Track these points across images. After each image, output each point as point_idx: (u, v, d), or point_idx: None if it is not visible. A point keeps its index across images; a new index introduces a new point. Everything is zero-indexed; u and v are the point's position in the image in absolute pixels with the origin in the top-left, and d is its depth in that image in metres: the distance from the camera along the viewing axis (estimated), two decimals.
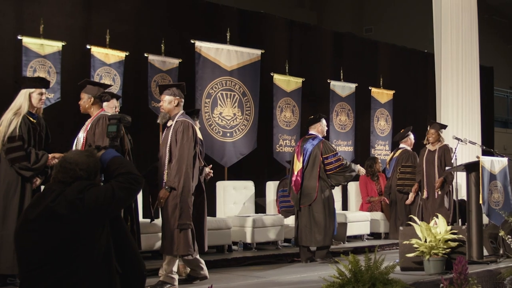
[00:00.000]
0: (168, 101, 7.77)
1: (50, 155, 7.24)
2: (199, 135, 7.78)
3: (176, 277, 7.46)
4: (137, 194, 4.22)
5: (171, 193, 7.41)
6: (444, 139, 11.38)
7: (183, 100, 7.93)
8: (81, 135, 7.28)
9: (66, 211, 3.82)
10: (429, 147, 11.29)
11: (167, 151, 7.53)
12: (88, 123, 7.30)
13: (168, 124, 7.73)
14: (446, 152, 11.07)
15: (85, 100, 7.44)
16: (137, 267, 4.22)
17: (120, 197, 3.98)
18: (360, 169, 10.29)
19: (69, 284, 3.80)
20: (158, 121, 7.86)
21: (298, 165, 10.04)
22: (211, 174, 8.97)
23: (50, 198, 3.91)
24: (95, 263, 3.87)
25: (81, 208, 3.83)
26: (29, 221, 3.92)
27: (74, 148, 7.26)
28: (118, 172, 4.11)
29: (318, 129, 10.21)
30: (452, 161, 10.55)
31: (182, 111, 7.83)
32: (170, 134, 7.59)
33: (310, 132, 10.28)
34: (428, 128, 11.50)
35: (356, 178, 11.67)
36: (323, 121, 10.39)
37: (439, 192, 10.88)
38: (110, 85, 9.31)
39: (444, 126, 11.51)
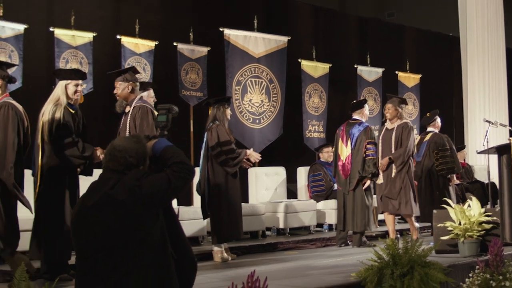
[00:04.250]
0: (122, 88, 7.55)
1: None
2: None
3: None
4: (189, 184, 4.29)
5: None
6: (404, 116, 10.25)
7: (137, 84, 7.69)
8: None
9: (125, 197, 3.92)
10: (387, 125, 10.27)
11: None
12: None
13: (126, 110, 7.52)
14: (404, 130, 9.97)
15: None
16: (189, 254, 4.32)
17: (176, 186, 4.08)
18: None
19: (126, 271, 3.89)
20: (116, 109, 7.58)
21: (345, 150, 9.99)
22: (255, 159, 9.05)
23: (108, 185, 4.01)
24: (151, 250, 3.96)
25: (139, 195, 3.93)
26: (87, 207, 4.01)
27: None
28: (172, 161, 4.20)
29: (363, 114, 10.19)
30: (484, 143, 10.48)
31: (139, 96, 7.62)
32: (128, 120, 7.36)
33: (354, 117, 10.22)
34: (386, 103, 10.51)
35: None
36: (367, 106, 10.38)
37: (392, 176, 9.91)
38: (16, 65, 9.11)
39: (405, 101, 10.48)
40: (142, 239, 3.94)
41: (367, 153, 9.87)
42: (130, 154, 4.18)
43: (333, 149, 10.50)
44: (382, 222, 12.18)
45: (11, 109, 6.82)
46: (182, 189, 4.25)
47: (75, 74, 7.55)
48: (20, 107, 6.98)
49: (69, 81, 7.36)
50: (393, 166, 9.89)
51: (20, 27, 10.16)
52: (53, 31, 10.56)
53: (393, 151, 9.99)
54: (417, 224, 10.15)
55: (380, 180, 10.01)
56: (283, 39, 13.36)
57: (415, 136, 13.94)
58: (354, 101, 10.55)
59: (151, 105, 7.48)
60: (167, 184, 4.03)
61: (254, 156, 9.05)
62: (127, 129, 7.27)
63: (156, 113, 7.13)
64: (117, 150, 4.20)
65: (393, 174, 9.90)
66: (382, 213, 10.26)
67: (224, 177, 8.72)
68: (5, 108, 6.81)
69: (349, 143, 9.99)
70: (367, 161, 9.84)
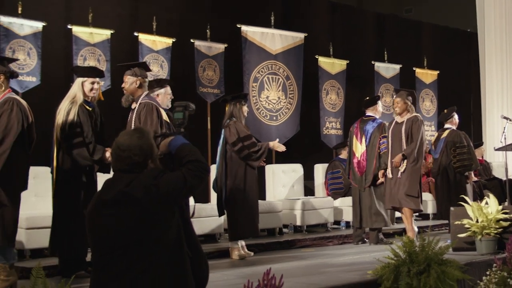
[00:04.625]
0: (130, 82, 7.27)
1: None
2: (165, 117, 7.14)
3: None
4: (204, 182, 4.25)
5: None
6: (413, 109, 10.01)
7: (146, 80, 7.41)
8: None
9: (141, 195, 3.89)
10: (397, 118, 9.98)
11: None
12: None
13: (132, 107, 7.27)
14: (413, 124, 9.72)
15: None
16: (201, 252, 4.31)
17: (192, 184, 4.06)
18: None
19: (142, 269, 3.87)
20: (122, 104, 7.38)
21: (360, 147, 9.98)
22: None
23: (123, 184, 3.98)
24: (167, 248, 3.95)
25: (156, 193, 3.91)
26: (101, 205, 4.00)
27: None
28: (188, 159, 4.17)
29: (376, 110, 10.16)
30: (501, 140, 10.43)
31: (146, 92, 7.34)
32: (133, 117, 7.14)
33: (367, 114, 10.20)
34: (394, 97, 10.33)
35: None
36: (380, 102, 10.36)
37: (401, 170, 9.64)
38: (17, 59, 9.13)
39: (413, 94, 10.20)
40: (158, 237, 3.92)
41: (381, 148, 9.85)
42: (135, 152, 4.09)
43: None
44: (399, 220, 12.16)
45: (16, 105, 6.75)
46: (198, 188, 4.21)
47: (92, 72, 7.59)
48: (24, 102, 6.92)
49: (85, 78, 7.40)
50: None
51: (38, 25, 10.22)
52: (71, 29, 10.61)
53: (403, 144, 9.77)
54: (415, 228, 9.90)
55: (389, 174, 9.79)
56: (300, 36, 13.36)
57: (433, 133, 13.96)
58: (367, 98, 10.51)
59: (157, 102, 7.34)
60: (183, 183, 4.01)
61: (280, 147, 9.09)
62: (133, 127, 7.06)
63: (162, 110, 7.18)
64: (121, 149, 4.11)
65: (403, 169, 9.67)
66: (393, 209, 10.17)
67: (241, 174, 8.75)
68: (9, 103, 6.74)
69: (363, 140, 9.98)
70: (382, 156, 9.83)
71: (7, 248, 6.75)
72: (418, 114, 10.00)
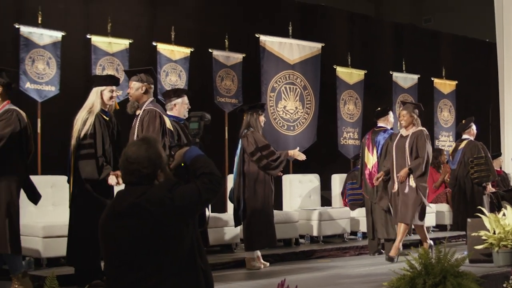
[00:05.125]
0: (135, 88, 7.20)
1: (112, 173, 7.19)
2: (168, 125, 7.09)
3: None
4: (218, 195, 4.22)
5: None
6: (419, 123, 9.65)
7: (152, 86, 7.34)
8: None
9: (154, 208, 3.88)
10: (402, 131, 9.67)
11: None
12: None
13: (137, 113, 7.21)
14: (419, 138, 9.38)
15: None
16: (207, 262, 4.29)
17: (206, 198, 4.04)
18: None
19: (155, 281, 3.86)
20: (127, 110, 7.34)
21: (371, 159, 9.96)
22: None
23: (134, 195, 3.96)
24: (180, 260, 3.94)
25: (170, 206, 3.88)
26: (113, 217, 3.99)
27: None
28: (202, 171, 4.14)
29: (387, 121, 10.15)
30: None
31: (151, 99, 7.26)
32: (137, 123, 7.08)
33: (379, 125, 10.20)
34: (400, 109, 10.01)
35: None
36: (391, 113, 10.35)
37: (409, 184, 9.29)
38: (14, 70, 9.18)
39: (419, 107, 9.84)
40: (171, 249, 3.91)
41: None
42: (143, 165, 4.03)
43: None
44: (415, 231, 12.12)
45: (15, 115, 6.87)
46: (212, 201, 4.20)
47: (110, 80, 7.63)
48: (23, 114, 7.03)
49: (104, 87, 7.44)
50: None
51: (58, 35, 10.29)
52: (90, 38, 10.67)
53: (407, 158, 9.42)
54: (431, 242, 9.54)
55: (394, 187, 9.48)
56: (318, 46, 13.37)
57: (451, 144, 13.90)
58: (378, 109, 10.47)
59: (161, 109, 7.28)
60: (197, 196, 3.98)
61: (301, 155, 9.11)
62: (136, 133, 7.07)
63: (166, 118, 7.16)
64: (129, 162, 4.05)
65: (411, 183, 9.35)
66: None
67: (259, 184, 8.76)
68: (9, 113, 6.87)
69: (374, 151, 9.97)
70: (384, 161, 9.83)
71: (15, 257, 6.81)
72: (424, 128, 9.67)
